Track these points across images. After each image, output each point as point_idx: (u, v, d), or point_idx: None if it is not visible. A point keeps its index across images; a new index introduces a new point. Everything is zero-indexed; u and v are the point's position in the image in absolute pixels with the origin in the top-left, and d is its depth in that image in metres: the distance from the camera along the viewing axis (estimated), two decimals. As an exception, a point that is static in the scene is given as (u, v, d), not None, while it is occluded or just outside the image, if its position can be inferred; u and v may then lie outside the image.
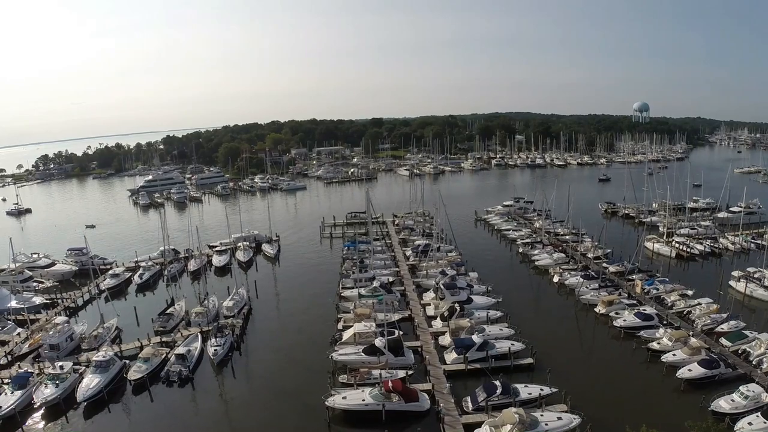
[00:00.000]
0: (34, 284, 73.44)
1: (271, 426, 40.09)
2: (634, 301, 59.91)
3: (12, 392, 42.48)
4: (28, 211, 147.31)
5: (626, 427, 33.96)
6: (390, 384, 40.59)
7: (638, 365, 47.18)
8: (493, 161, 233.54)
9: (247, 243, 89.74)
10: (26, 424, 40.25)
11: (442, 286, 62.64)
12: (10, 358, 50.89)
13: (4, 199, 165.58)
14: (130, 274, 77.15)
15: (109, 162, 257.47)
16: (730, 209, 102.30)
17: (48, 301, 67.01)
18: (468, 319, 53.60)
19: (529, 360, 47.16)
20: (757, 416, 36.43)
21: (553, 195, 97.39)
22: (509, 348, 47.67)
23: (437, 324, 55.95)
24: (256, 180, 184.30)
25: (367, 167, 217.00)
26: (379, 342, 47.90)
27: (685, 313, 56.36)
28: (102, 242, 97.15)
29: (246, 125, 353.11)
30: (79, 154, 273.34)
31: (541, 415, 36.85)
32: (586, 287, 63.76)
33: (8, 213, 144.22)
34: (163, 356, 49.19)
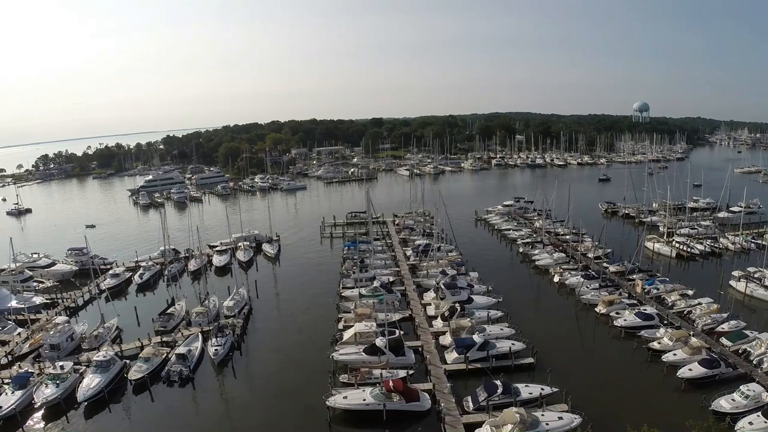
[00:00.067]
0: (35, 284, 73.51)
1: (272, 426, 40.09)
2: (635, 301, 59.95)
3: (12, 392, 42.49)
4: (29, 211, 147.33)
5: (627, 426, 33.92)
6: (391, 384, 40.58)
7: (639, 365, 47.21)
8: (493, 161, 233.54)
9: (248, 243, 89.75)
10: (27, 424, 40.23)
11: (442, 286, 62.65)
12: (10, 358, 50.89)
13: (4, 199, 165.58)
14: (131, 274, 77.18)
15: (109, 162, 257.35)
16: (731, 209, 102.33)
17: (48, 301, 66.98)
18: (468, 319, 53.63)
19: (530, 360, 47.19)
20: (758, 416, 36.46)
21: (554, 195, 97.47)
22: (510, 348, 47.71)
23: (438, 324, 55.96)
24: (256, 180, 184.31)
25: (368, 167, 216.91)
26: (379, 342, 47.90)
27: (685, 312, 56.38)
28: (102, 242, 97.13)
29: (246, 125, 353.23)
30: (79, 154, 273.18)
31: (542, 415, 36.86)
32: (587, 287, 63.78)
33: (8, 213, 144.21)
34: (163, 356, 49.20)
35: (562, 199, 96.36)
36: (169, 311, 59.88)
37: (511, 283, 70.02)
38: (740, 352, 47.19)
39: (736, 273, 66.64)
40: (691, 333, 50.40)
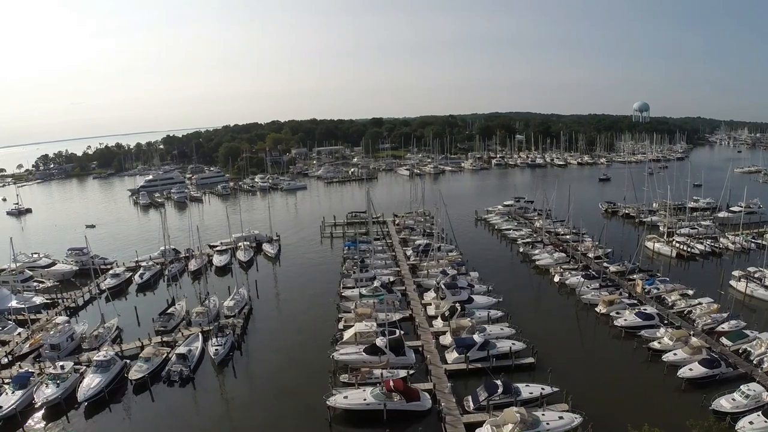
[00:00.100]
0: (35, 284, 73.52)
1: (272, 426, 40.09)
2: (635, 301, 59.96)
3: (13, 392, 42.51)
4: (29, 211, 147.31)
5: (627, 426, 33.91)
6: (391, 383, 40.61)
7: (639, 365, 47.23)
8: (494, 161, 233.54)
9: (248, 243, 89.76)
10: (27, 424, 40.25)
11: (442, 286, 62.65)
12: (10, 358, 50.89)
13: (4, 199, 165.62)
14: (131, 273, 77.20)
15: (109, 162, 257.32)
16: (731, 209, 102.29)
17: (48, 301, 66.99)
18: (469, 319, 53.66)
19: (530, 359, 47.20)
20: (758, 415, 36.48)
21: (554, 195, 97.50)
22: (510, 347, 47.72)
23: (438, 323, 55.96)
24: (256, 180, 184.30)
25: (368, 167, 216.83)
26: (380, 341, 47.92)
27: (685, 312, 56.39)
28: (102, 242, 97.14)
29: (246, 125, 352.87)
30: (79, 154, 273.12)
31: (543, 415, 36.89)
32: (587, 287, 63.80)
33: (8, 213, 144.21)
34: (164, 356, 49.22)
35: (562, 199, 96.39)
36: (169, 311, 59.89)
37: (511, 283, 70.02)
38: (740, 351, 47.20)
39: (736, 273, 66.64)
40: (692, 333, 50.40)
